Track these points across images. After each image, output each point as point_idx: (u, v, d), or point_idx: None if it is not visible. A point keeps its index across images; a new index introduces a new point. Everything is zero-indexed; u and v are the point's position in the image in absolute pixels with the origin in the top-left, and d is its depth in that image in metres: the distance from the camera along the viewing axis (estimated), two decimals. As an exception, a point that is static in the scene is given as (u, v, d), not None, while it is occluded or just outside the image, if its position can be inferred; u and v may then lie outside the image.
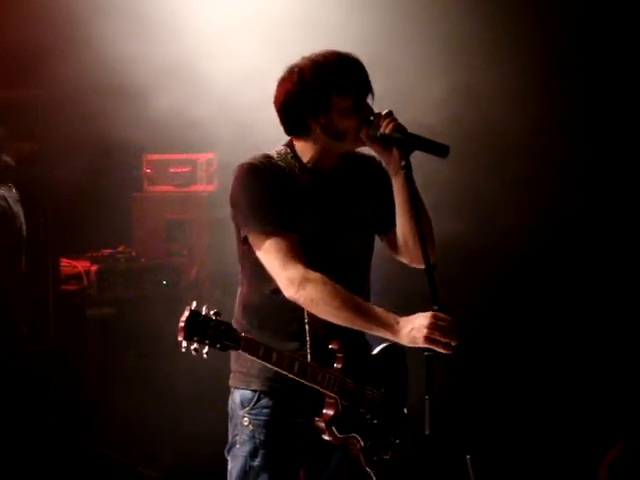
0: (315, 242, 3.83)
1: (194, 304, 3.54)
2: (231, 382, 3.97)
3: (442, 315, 3.58)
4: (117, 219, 7.58)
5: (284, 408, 3.85)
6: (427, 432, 3.55)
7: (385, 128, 3.78)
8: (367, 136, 3.83)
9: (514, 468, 6.50)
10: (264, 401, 3.85)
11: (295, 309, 3.78)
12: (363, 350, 3.96)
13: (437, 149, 3.78)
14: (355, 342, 3.88)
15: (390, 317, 3.68)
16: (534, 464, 6.58)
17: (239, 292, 3.99)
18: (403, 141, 3.77)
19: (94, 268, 7.12)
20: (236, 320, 3.94)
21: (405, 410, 4.08)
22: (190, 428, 6.70)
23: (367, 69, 3.88)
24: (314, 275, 3.71)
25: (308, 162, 3.90)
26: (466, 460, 3.66)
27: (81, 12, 6.40)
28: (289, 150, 3.91)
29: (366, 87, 3.86)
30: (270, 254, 3.75)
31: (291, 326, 3.82)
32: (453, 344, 3.57)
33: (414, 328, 3.60)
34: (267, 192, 3.78)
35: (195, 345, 3.50)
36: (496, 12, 6.65)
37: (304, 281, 3.69)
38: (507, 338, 6.78)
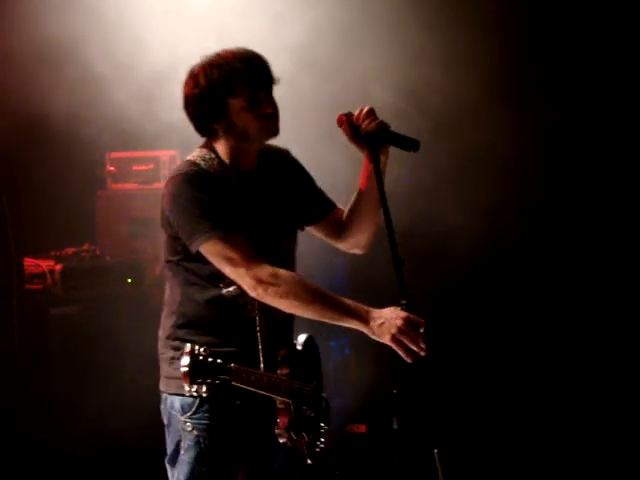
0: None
1: (188, 346, 3.58)
2: (165, 388, 3.92)
3: (414, 320, 3.60)
4: (81, 217, 7.56)
5: (224, 411, 3.83)
6: None
7: (368, 126, 3.81)
8: (352, 135, 3.85)
9: (483, 464, 6.54)
10: (205, 406, 3.82)
11: (240, 317, 3.80)
12: (294, 348, 3.94)
13: (409, 144, 3.83)
14: (289, 342, 3.91)
15: (360, 308, 3.69)
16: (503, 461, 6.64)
17: (167, 298, 3.94)
18: (380, 137, 3.81)
19: (58, 267, 7.07)
20: (166, 329, 3.91)
21: (324, 394, 4.06)
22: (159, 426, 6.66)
23: (266, 59, 3.87)
24: (282, 271, 3.71)
25: (230, 162, 3.88)
26: (434, 454, 3.68)
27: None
28: (212, 154, 3.87)
29: (261, 81, 3.85)
30: (230, 258, 3.71)
31: (239, 334, 3.82)
32: (419, 349, 3.59)
33: (385, 323, 3.61)
34: (205, 199, 3.75)
35: (195, 387, 3.57)
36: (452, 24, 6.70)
37: (272, 277, 3.69)
38: (459, 334, 6.81)
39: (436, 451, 3.68)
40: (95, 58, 6.54)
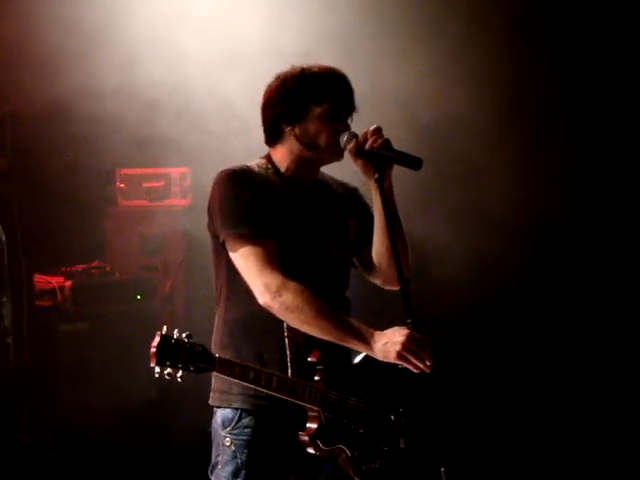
0: (294, 252, 3.82)
1: (164, 328, 3.55)
2: (211, 401, 3.92)
3: (417, 336, 3.60)
4: (91, 234, 7.56)
5: (266, 426, 3.82)
6: None
7: (374, 143, 3.78)
8: (355, 151, 3.81)
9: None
10: (246, 420, 3.82)
11: (275, 321, 3.76)
12: (344, 360, 3.90)
13: (412, 162, 3.78)
14: (336, 352, 3.82)
15: (364, 330, 3.69)
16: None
17: (218, 309, 3.94)
18: (383, 156, 3.77)
19: (68, 283, 7.10)
20: (216, 337, 3.91)
21: (393, 417, 3.97)
22: (170, 445, 6.66)
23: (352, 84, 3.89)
24: (292, 283, 3.69)
25: (287, 172, 3.90)
26: (441, 473, 3.67)
27: (47, 32, 6.42)
28: (268, 164, 3.91)
29: (346, 101, 3.87)
30: (246, 259, 3.73)
31: (273, 340, 3.80)
32: (425, 366, 3.60)
33: (388, 342, 3.63)
34: (245, 196, 3.77)
35: (168, 370, 3.52)
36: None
37: (281, 288, 3.68)
38: (465, 351, 6.80)
39: (443, 469, 3.67)
40: (107, 77, 6.59)
